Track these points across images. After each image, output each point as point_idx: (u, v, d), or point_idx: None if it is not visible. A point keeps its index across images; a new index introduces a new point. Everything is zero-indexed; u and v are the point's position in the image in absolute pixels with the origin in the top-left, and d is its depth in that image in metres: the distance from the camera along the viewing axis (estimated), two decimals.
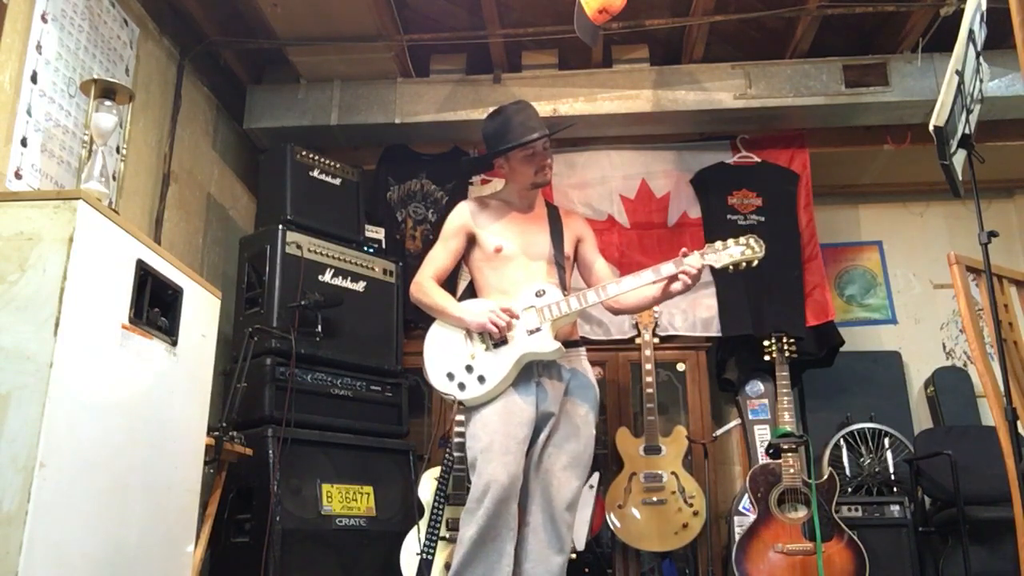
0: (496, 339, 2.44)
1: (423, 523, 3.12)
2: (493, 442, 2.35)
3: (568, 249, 2.69)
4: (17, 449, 1.64)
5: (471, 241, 2.67)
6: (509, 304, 2.47)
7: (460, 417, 2.68)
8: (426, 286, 2.59)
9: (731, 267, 2.42)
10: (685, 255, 2.41)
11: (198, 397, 2.36)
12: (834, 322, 4.04)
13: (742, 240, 2.42)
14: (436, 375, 2.48)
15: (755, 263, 2.41)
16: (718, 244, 2.44)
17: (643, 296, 2.55)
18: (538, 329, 2.44)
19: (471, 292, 2.76)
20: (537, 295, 2.49)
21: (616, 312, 2.72)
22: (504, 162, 2.69)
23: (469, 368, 2.44)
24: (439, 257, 2.67)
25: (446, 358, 2.49)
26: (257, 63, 4.18)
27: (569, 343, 2.57)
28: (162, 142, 3.47)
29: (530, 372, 2.46)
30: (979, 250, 2.19)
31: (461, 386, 2.43)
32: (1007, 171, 4.49)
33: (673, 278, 2.43)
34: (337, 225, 3.57)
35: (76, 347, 1.78)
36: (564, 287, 2.58)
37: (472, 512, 2.33)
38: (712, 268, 2.43)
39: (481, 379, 2.42)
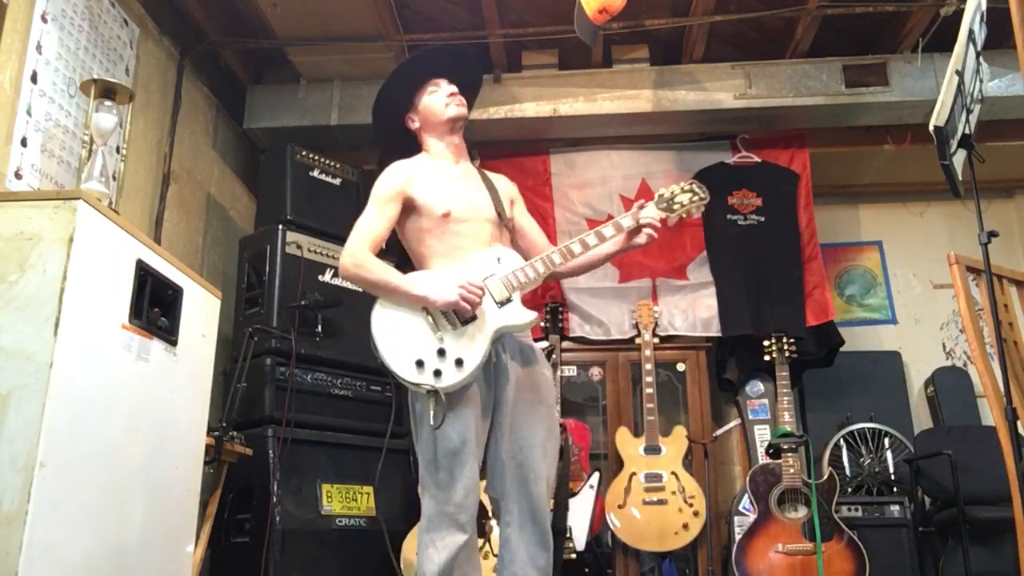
0: (464, 316, 2.16)
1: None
2: (466, 441, 2.12)
3: (506, 207, 2.43)
4: (17, 449, 1.64)
5: (407, 207, 2.33)
6: (466, 273, 2.19)
7: None
8: (368, 261, 2.21)
9: (683, 215, 2.32)
10: (642, 207, 2.29)
11: (198, 397, 2.36)
12: (834, 322, 4.04)
13: (685, 186, 2.33)
14: (403, 366, 2.11)
15: (703, 208, 2.33)
16: (666, 192, 2.32)
17: (593, 256, 2.35)
18: (508, 300, 2.21)
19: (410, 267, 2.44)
20: (497, 262, 2.25)
21: (558, 277, 2.53)
22: (414, 115, 2.47)
23: (441, 352, 2.12)
24: (374, 224, 2.28)
25: (410, 344, 2.13)
26: (257, 63, 4.19)
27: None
28: (162, 142, 3.47)
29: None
30: (979, 250, 2.19)
31: (437, 373, 2.09)
32: (1007, 171, 4.49)
33: (636, 231, 2.29)
34: (337, 225, 3.54)
35: (76, 347, 1.78)
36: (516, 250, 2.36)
37: (451, 519, 2.11)
38: (671, 216, 2.30)
39: (459, 362, 2.12)
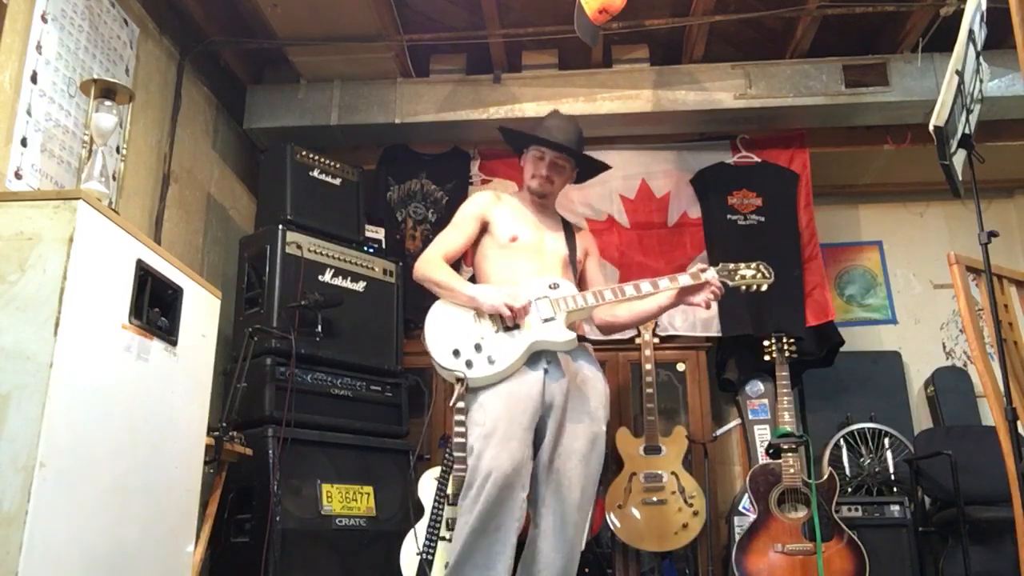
0: (508, 323, 2.40)
1: (423, 523, 3.12)
2: (497, 427, 2.29)
3: (579, 256, 2.68)
4: (17, 449, 1.64)
5: (483, 230, 2.64)
6: (524, 290, 2.44)
7: (459, 417, 2.62)
8: (436, 264, 2.55)
9: (743, 287, 2.49)
10: (703, 271, 2.46)
11: (198, 397, 2.36)
12: (834, 322, 4.04)
13: (753, 264, 2.49)
14: (440, 351, 2.41)
15: (764, 287, 2.47)
16: (731, 264, 2.50)
17: (645, 308, 2.57)
18: (552, 318, 2.40)
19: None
20: (551, 287, 2.47)
21: (608, 330, 2.71)
22: (525, 154, 2.71)
23: (478, 347, 2.39)
24: (452, 239, 2.62)
25: (453, 335, 2.43)
26: (257, 63, 4.19)
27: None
28: (162, 142, 3.47)
29: (538, 359, 2.41)
30: (979, 250, 2.19)
31: (468, 363, 2.37)
32: (1007, 171, 4.49)
33: (695, 289, 2.46)
34: (337, 225, 3.57)
35: (76, 347, 1.78)
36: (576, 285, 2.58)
37: (472, 500, 2.25)
38: (725, 284, 2.48)
39: (491, 360, 2.36)
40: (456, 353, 2.39)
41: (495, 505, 2.22)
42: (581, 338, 2.57)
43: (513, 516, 2.25)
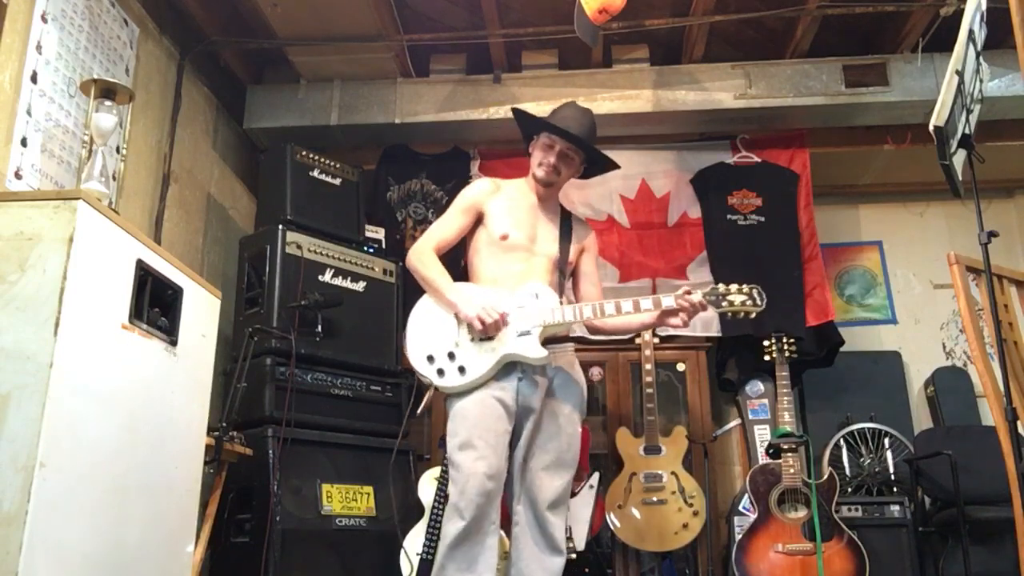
0: (481, 334, 2.38)
1: (423, 523, 3.12)
2: (472, 436, 2.31)
3: (572, 256, 2.63)
4: (17, 449, 1.64)
5: (478, 220, 2.59)
6: (502, 302, 2.40)
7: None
8: (426, 257, 2.51)
9: (730, 314, 2.41)
10: (688, 293, 2.38)
11: (198, 397, 2.36)
12: (834, 322, 4.04)
13: (745, 289, 2.42)
14: (416, 354, 2.43)
15: (753, 315, 2.41)
16: (721, 287, 2.42)
17: (630, 321, 2.55)
18: (528, 332, 2.38)
19: (465, 274, 2.68)
20: (532, 297, 2.43)
21: (595, 332, 2.72)
22: (535, 141, 2.63)
23: (451, 355, 2.39)
24: (445, 229, 2.57)
25: (430, 339, 2.43)
26: (257, 63, 4.19)
27: (556, 339, 2.50)
28: (162, 142, 3.47)
29: (512, 366, 2.41)
30: (979, 250, 2.19)
31: (440, 372, 2.38)
32: (1007, 171, 4.49)
33: (673, 312, 2.41)
34: (337, 225, 3.57)
35: (76, 347, 1.78)
36: (561, 292, 2.52)
37: (455, 507, 2.29)
38: (716, 310, 2.44)
39: (462, 370, 2.37)
40: (430, 359, 2.40)
41: (477, 510, 2.27)
42: (564, 338, 2.56)
43: (491, 519, 2.31)
